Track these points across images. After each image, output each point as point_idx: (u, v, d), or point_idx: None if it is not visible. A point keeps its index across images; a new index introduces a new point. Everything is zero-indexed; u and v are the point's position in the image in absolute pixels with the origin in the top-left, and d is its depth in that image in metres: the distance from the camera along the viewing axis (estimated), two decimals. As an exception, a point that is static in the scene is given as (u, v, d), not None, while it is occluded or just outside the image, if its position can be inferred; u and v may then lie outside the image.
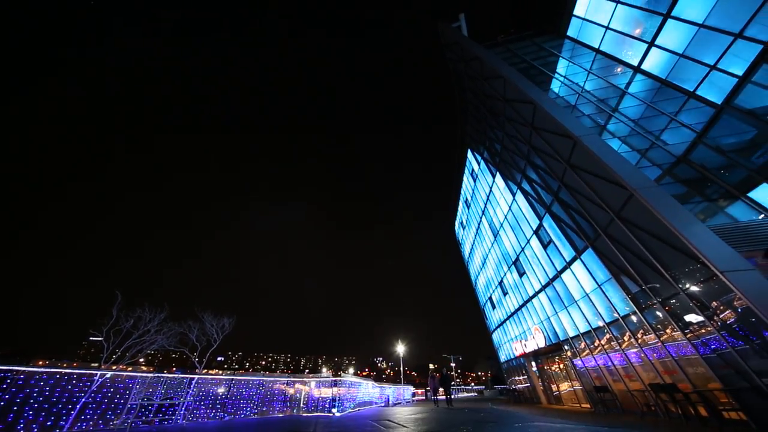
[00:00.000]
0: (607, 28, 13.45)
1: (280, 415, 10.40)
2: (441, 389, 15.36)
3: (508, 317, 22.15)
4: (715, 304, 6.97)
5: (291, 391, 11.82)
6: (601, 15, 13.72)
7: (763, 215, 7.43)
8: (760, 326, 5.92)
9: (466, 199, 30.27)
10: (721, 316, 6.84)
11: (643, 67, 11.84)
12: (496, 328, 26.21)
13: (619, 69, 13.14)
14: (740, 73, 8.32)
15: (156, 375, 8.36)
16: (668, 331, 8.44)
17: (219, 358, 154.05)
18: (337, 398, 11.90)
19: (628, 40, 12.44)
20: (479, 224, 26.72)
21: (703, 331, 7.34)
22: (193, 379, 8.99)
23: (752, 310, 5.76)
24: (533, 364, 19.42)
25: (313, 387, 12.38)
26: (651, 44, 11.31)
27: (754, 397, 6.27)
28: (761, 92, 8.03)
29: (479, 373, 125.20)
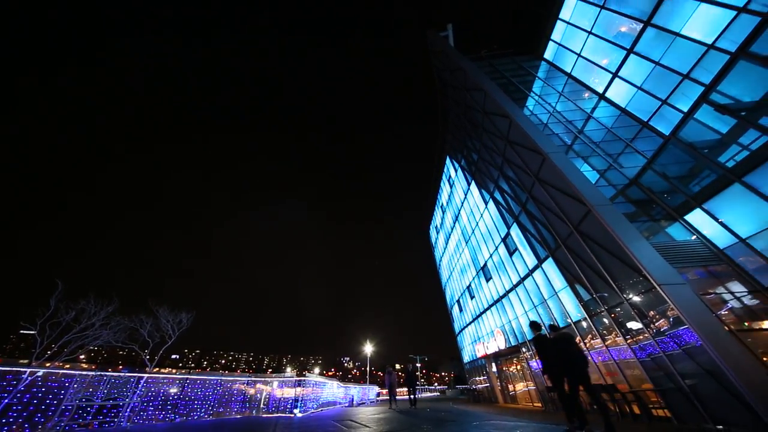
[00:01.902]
0: (579, 55, 14.54)
1: (238, 417, 9.95)
2: (404, 389, 13.96)
3: (474, 320, 23.06)
4: (652, 313, 7.79)
5: (251, 391, 11.35)
6: (575, 42, 14.80)
7: (695, 236, 8.45)
8: (687, 334, 6.72)
9: (442, 204, 31.08)
10: (656, 324, 7.67)
11: (607, 94, 12.93)
12: (462, 330, 27.17)
13: (586, 94, 14.24)
14: (685, 109, 9.39)
15: (98, 373, 7.62)
16: (612, 336, 9.28)
17: (173, 356, 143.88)
18: (300, 398, 11.63)
19: (596, 68, 13.53)
20: (452, 229, 27.56)
21: (640, 337, 8.17)
22: (141, 378, 8.31)
23: (681, 320, 6.52)
24: (493, 365, 20.38)
25: (276, 387, 11.98)
26: (615, 75, 12.39)
27: (678, 396, 7.10)
28: (700, 128, 9.12)
29: (443, 374, 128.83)
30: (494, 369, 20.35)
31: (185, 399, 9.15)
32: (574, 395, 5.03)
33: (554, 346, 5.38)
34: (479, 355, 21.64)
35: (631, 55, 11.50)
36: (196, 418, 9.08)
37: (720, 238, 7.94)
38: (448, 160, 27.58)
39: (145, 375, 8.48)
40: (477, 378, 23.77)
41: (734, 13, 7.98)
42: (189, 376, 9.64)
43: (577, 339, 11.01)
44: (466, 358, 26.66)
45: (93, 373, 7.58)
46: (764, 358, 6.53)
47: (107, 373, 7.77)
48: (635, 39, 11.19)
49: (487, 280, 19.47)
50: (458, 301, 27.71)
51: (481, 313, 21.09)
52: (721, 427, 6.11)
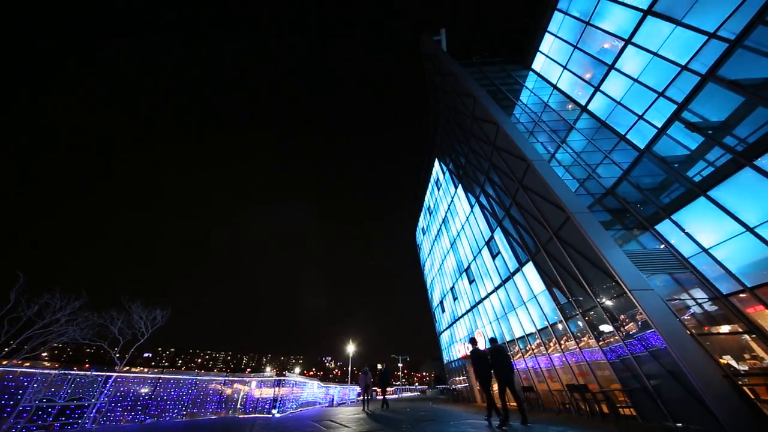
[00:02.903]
0: (565, 68, 15.09)
1: (213, 417, 9.66)
2: (378, 388, 12.92)
3: (455, 321, 23.44)
4: (622, 317, 8.20)
5: (228, 391, 11.05)
6: (561, 55, 15.35)
7: (663, 245, 8.96)
8: (654, 337, 7.12)
9: (429, 206, 31.40)
10: (625, 327, 8.07)
11: (589, 107, 13.50)
12: (444, 330, 27.56)
13: (570, 106, 14.80)
14: (659, 125, 9.94)
15: (62, 372, 7.19)
16: (585, 338, 9.70)
17: (146, 355, 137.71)
18: (279, 399, 11.43)
19: (580, 82, 14.09)
20: (438, 231, 27.90)
21: (611, 339, 8.58)
22: (110, 377, 7.91)
23: (649, 323, 6.91)
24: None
25: (254, 387, 11.72)
26: (597, 89, 12.95)
27: (643, 396, 7.50)
28: (672, 144, 9.69)
29: (424, 374, 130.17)
30: (473, 369, 20.74)
31: (157, 399, 8.80)
32: (501, 395, 6.49)
33: (490, 356, 6.83)
34: (459, 355, 22.03)
35: (612, 71, 12.06)
36: (168, 419, 8.74)
37: (685, 247, 8.46)
38: (437, 163, 27.90)
39: (114, 374, 8.08)
40: (457, 378, 24.17)
41: (705, 37, 8.53)
42: (162, 376, 9.27)
43: (553, 341, 11.43)
44: (447, 359, 27.06)
45: (56, 371, 7.14)
46: (720, 361, 7.02)
47: (72, 372, 7.34)
48: (617, 56, 11.74)
49: (470, 282, 19.85)
50: (441, 303, 28.08)
51: (463, 315, 21.47)
52: (680, 425, 6.52)
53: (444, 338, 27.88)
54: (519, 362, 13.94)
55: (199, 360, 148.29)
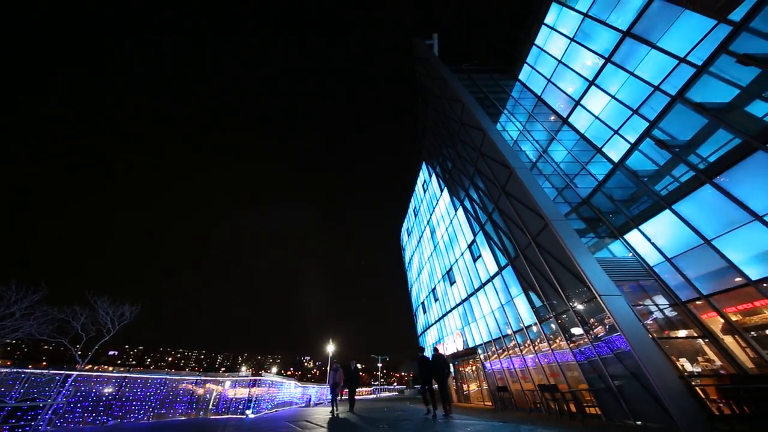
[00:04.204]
0: (549, 80, 15.69)
1: (182, 418, 9.27)
2: (345, 388, 10.46)
3: (436, 321, 23.78)
4: (592, 320, 8.63)
5: (200, 391, 10.63)
6: (546, 68, 15.94)
7: (631, 254, 9.52)
8: (619, 340, 7.54)
9: (415, 207, 31.67)
10: (594, 330, 8.50)
11: (570, 120, 14.10)
12: (424, 331, 27.87)
13: (552, 117, 15.40)
14: (632, 140, 10.55)
15: (14, 370, 6.66)
16: (557, 340, 10.12)
17: (111, 353, 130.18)
18: (254, 399, 11.14)
19: (563, 95, 14.70)
20: (423, 233, 28.19)
21: (581, 342, 9.01)
22: (69, 376, 7.41)
23: (615, 327, 7.31)
24: (450, 365, 21.17)
25: (228, 387, 11.35)
26: (577, 103, 13.55)
27: (607, 396, 7.93)
28: (643, 159, 10.30)
29: (403, 374, 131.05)
30: (451, 369, 21.14)
31: (122, 399, 8.33)
32: (440, 391, 8.28)
33: (432, 362, 8.53)
34: (439, 356, 22.35)
35: (593, 87, 12.67)
36: (133, 420, 8.30)
37: (651, 256, 9.03)
38: (424, 165, 28.20)
39: (74, 373, 7.58)
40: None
41: (676, 61, 9.15)
42: (128, 375, 8.80)
43: (527, 342, 11.85)
44: (426, 359, 27.37)
45: (7, 369, 6.61)
46: (677, 363, 7.55)
47: (26, 370, 6.82)
48: (597, 72, 12.34)
49: (452, 284, 20.20)
50: (423, 303, 28.39)
51: (444, 316, 21.82)
52: (639, 423, 6.94)
53: (424, 339, 28.20)
54: (495, 363, 14.34)
55: (170, 359, 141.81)
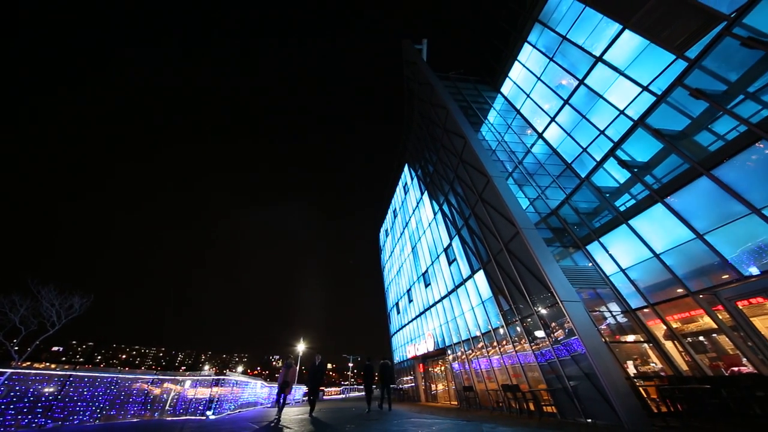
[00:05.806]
0: (528, 96, 16.48)
1: (135, 420, 8.65)
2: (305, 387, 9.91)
3: (409, 322, 24.06)
4: (553, 324, 9.15)
5: (157, 391, 9.96)
6: (526, 84, 16.74)
7: (591, 263, 10.23)
8: (576, 343, 8.07)
9: (395, 209, 31.88)
10: (555, 334, 9.03)
11: (545, 135, 14.90)
12: (397, 331, 28.10)
13: (529, 131, 16.19)
14: (598, 158, 11.35)
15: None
16: (521, 342, 10.64)
17: (55, 348, 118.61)
18: (216, 399, 10.64)
19: (539, 110, 15.50)
20: (401, 235, 28.44)
21: (542, 344, 9.53)
22: (2, 374, 6.67)
23: (573, 331, 7.82)
24: (420, 365, 21.53)
25: (188, 386, 10.74)
26: (552, 119, 14.36)
27: (563, 395, 8.45)
28: (606, 176, 11.13)
29: (374, 374, 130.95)
30: (421, 370, 21.50)
31: (65, 400, 7.62)
32: (386, 393, 10.71)
33: (377, 367, 10.86)
34: (409, 356, 22.64)
35: (566, 106, 13.49)
36: (76, 422, 7.61)
37: (608, 266, 9.77)
38: (406, 168, 28.48)
39: (8, 370, 6.84)
40: (405, 378, 24.79)
41: (639, 89, 9.99)
42: (74, 373, 8.06)
43: (494, 344, 12.34)
44: (397, 359, 27.62)
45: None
46: (624, 366, 8.21)
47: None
48: (571, 92, 13.16)
49: (426, 286, 20.56)
50: (397, 304, 28.62)
51: (417, 317, 22.14)
52: (590, 420, 7.46)
53: (396, 339, 28.43)
54: (463, 363, 14.77)
55: (124, 356, 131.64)
